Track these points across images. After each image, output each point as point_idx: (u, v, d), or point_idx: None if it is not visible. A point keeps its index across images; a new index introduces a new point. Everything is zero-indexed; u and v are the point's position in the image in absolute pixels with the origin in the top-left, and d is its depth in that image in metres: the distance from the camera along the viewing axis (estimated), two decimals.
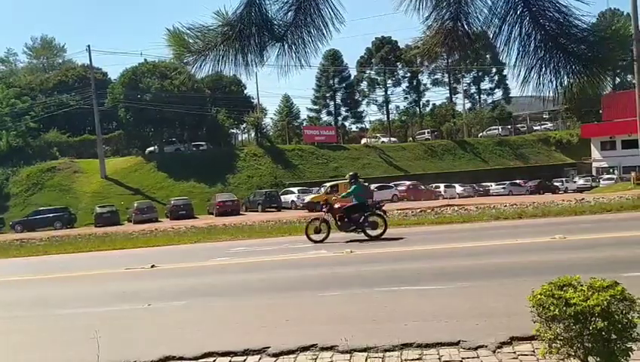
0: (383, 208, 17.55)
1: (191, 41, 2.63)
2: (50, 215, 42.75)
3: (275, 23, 2.65)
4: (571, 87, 2.49)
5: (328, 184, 41.20)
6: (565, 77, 2.46)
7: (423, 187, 49.89)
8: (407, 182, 50.05)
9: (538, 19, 2.40)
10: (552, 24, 2.41)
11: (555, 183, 53.09)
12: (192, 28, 2.61)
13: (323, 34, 2.67)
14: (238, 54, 2.66)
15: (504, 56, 2.54)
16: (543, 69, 2.47)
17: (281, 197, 45.93)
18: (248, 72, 2.75)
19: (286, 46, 2.68)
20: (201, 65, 2.71)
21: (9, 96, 59.03)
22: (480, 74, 79.55)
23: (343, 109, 79.24)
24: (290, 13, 2.65)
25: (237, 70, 2.76)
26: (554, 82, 2.48)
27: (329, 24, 2.65)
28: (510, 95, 77.43)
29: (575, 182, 53.25)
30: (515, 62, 2.49)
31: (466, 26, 2.63)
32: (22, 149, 56.20)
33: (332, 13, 2.63)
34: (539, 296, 4.31)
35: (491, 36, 2.54)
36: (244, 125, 70.53)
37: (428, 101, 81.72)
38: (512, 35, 2.46)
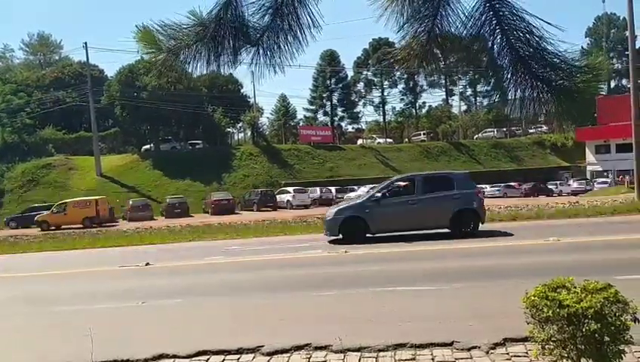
0: None
1: (162, 39, 2.56)
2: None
3: (251, 25, 2.59)
4: (536, 113, 2.47)
5: (57, 203, 40.72)
6: (530, 102, 2.44)
7: None
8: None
9: (510, 39, 2.37)
10: (524, 46, 2.37)
11: (550, 186, 53.22)
12: (165, 26, 2.55)
13: (299, 40, 2.62)
14: (211, 55, 2.61)
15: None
16: (512, 91, 2.45)
17: (277, 196, 45.93)
18: (220, 72, 2.74)
19: (261, 50, 2.62)
20: (171, 65, 2.66)
21: (5, 92, 58.90)
22: (476, 76, 79.64)
23: (339, 110, 79.29)
24: (266, 17, 2.58)
25: (209, 71, 2.73)
26: (521, 104, 2.47)
27: (306, 30, 2.60)
28: (506, 98, 77.69)
29: (569, 185, 53.41)
30: (490, 76, 2.51)
31: (439, 39, 2.60)
32: (17, 146, 55.99)
33: (310, 19, 2.57)
34: (532, 298, 4.33)
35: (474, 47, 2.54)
36: (240, 124, 70.54)
37: (424, 103, 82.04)
38: (484, 52, 2.45)
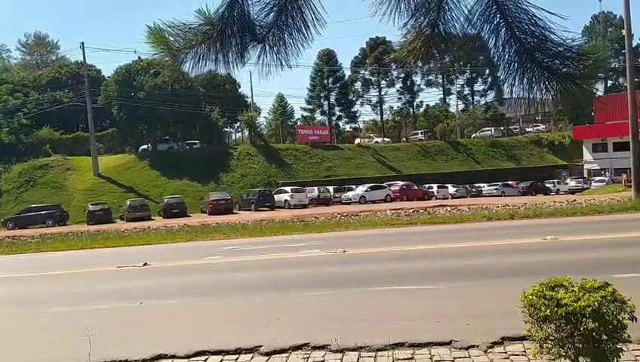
0: None
1: (171, 38, 2.59)
2: (42, 212, 42.48)
3: (257, 23, 2.62)
4: (544, 101, 2.49)
5: None
6: (537, 92, 2.46)
7: (416, 187, 50.00)
8: (401, 183, 50.13)
9: (514, 31, 2.39)
10: (528, 37, 2.39)
11: (547, 185, 53.28)
12: (173, 25, 2.57)
13: (304, 36, 2.65)
14: (219, 54, 2.64)
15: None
16: (518, 81, 2.46)
17: (275, 196, 45.89)
18: (229, 71, 2.75)
19: (267, 47, 2.65)
20: (181, 64, 2.68)
21: (2, 92, 58.62)
22: (473, 75, 79.72)
23: (337, 109, 79.20)
24: (271, 15, 2.61)
25: (217, 70, 2.76)
26: (529, 94, 2.48)
27: (310, 27, 2.63)
28: (503, 96, 77.68)
29: (567, 183, 53.49)
30: (496, 68, 2.52)
31: (443, 34, 2.61)
32: (14, 146, 55.73)
33: (313, 15, 2.61)
34: (530, 297, 4.33)
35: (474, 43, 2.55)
36: (237, 124, 70.40)
37: (421, 102, 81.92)
38: (489, 45, 2.46)
